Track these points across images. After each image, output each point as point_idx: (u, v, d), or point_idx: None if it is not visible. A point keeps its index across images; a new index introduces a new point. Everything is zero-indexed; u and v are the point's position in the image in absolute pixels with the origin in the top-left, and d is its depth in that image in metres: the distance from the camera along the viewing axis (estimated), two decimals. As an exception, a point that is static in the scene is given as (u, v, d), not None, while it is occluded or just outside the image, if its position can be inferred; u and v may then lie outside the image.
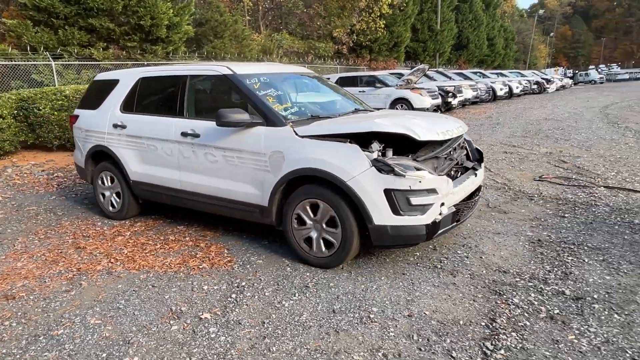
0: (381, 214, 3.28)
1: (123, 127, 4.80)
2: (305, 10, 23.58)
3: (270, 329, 2.83)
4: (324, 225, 3.56)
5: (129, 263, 3.90)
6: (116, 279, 3.62)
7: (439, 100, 15.12)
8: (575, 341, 2.59)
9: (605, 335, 2.63)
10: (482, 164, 4.24)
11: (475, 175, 4.00)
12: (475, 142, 9.58)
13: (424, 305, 3.05)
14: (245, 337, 2.75)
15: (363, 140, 3.50)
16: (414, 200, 3.25)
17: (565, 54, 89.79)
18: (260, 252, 4.05)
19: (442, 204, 3.36)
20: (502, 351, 2.52)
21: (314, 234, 3.64)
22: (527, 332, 2.70)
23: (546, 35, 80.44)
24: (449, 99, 16.07)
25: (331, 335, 2.74)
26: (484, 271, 3.54)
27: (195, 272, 3.69)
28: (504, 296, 3.13)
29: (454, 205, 3.54)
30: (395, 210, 3.26)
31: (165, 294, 3.33)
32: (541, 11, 74.76)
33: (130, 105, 4.87)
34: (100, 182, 5.23)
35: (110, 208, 5.17)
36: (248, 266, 3.77)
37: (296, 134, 3.62)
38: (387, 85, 14.78)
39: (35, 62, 11.36)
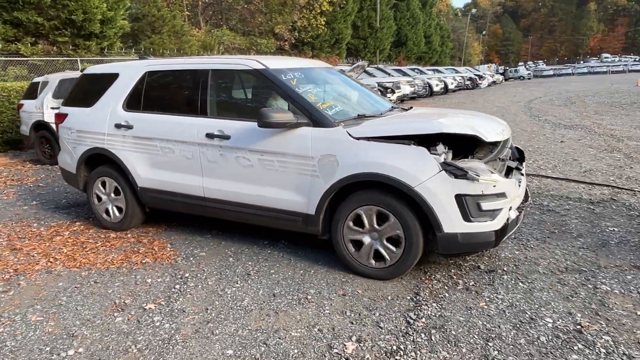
0: (452, 221, 3.05)
1: (129, 127, 4.28)
2: (246, 6, 23.47)
3: (213, 314, 2.99)
4: (383, 235, 3.31)
5: (69, 262, 3.90)
6: (56, 277, 3.62)
7: (378, 96, 15.67)
8: (485, 307, 2.96)
9: (510, 301, 3.02)
10: (524, 163, 3.99)
11: (522, 175, 3.72)
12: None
13: (357, 285, 3.33)
14: (189, 323, 2.90)
15: (423, 142, 3.23)
16: (485, 205, 3.05)
17: (497, 51, 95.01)
18: (204, 245, 4.18)
19: (510, 208, 3.23)
20: (424, 319, 2.84)
21: (368, 243, 3.37)
22: (445, 302, 3.05)
23: (479, 33, 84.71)
24: (388, 95, 16.68)
25: (271, 316, 2.95)
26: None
27: (139, 266, 3.77)
28: (428, 273, 3.48)
29: (517, 209, 3.40)
30: (466, 217, 3.05)
31: (109, 289, 3.39)
32: (474, 10, 78.64)
33: (136, 102, 4.34)
34: (97, 189, 4.64)
35: (108, 217, 4.63)
36: (191, 258, 3.89)
37: (350, 136, 3.33)
38: (328, 81, 15.12)
39: (-46, 58, 10.64)
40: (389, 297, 3.14)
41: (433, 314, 2.91)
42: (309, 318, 2.91)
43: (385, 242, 3.30)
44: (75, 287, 3.43)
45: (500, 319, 2.82)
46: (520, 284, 3.25)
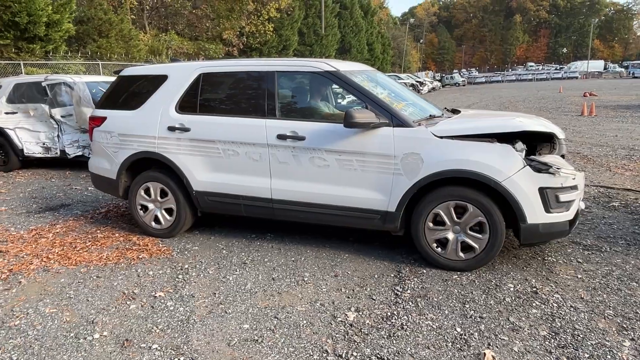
0: (535, 213, 3.32)
1: (184, 130, 4.22)
2: (192, 11, 23.31)
3: (221, 297, 3.29)
4: (468, 229, 3.50)
5: (63, 260, 4.01)
6: (56, 274, 3.74)
7: (330, 101, 16.23)
8: (458, 279, 3.48)
9: (477, 272, 3.56)
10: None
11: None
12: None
13: (346, 267, 3.74)
14: (201, 305, 3.18)
15: (500, 140, 3.49)
16: (562, 197, 3.35)
17: (433, 59, 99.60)
18: (195, 240, 4.42)
19: (580, 199, 3.58)
20: (409, 291, 3.31)
21: (451, 237, 3.56)
22: (424, 276, 3.53)
23: (417, 41, 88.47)
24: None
25: (275, 296, 3.29)
26: (386, 238, 4.35)
27: (136, 261, 3.96)
28: (404, 255, 3.96)
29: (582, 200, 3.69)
30: (547, 208, 3.33)
31: (113, 282, 3.58)
32: (412, 19, 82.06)
33: (192, 105, 4.28)
34: (142, 195, 4.51)
35: (155, 224, 4.52)
36: (186, 252, 4.14)
37: (434, 135, 3.51)
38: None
39: None
40: (376, 276, 3.58)
41: (416, 286, 3.38)
42: (309, 295, 3.29)
43: (469, 231, 3.50)
44: (79, 282, 3.58)
45: (472, 286, 3.34)
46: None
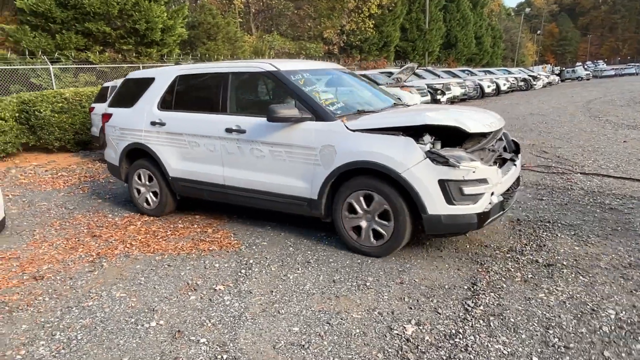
0: (435, 204, 3.38)
1: (162, 124, 4.83)
2: (295, 11, 23.96)
3: (278, 296, 3.19)
4: (376, 217, 3.66)
5: (143, 247, 4.24)
6: (134, 260, 3.96)
7: (427, 98, 15.56)
8: (545, 298, 2.98)
9: (570, 293, 3.02)
10: (520, 155, 4.27)
11: (515, 165, 4.01)
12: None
13: (414, 275, 3.43)
14: (256, 303, 3.11)
15: (412, 133, 3.56)
16: (467, 190, 3.35)
17: (552, 51, 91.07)
18: (264, 236, 4.41)
19: (492, 193, 3.45)
20: (482, 307, 2.91)
21: (364, 224, 3.75)
22: (503, 292, 3.09)
23: (533, 33, 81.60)
24: (438, 96, 16.53)
25: (332, 300, 3.11)
26: (468, 246, 3.93)
27: (206, 253, 4.05)
28: (485, 265, 3.52)
29: (502, 195, 3.60)
30: (449, 200, 3.37)
31: (181, 271, 3.68)
32: (528, 9, 75.83)
33: (169, 102, 4.89)
34: (136, 179, 5.25)
35: (146, 205, 5.23)
36: (254, 247, 4.13)
37: (347, 128, 3.71)
38: (377, 83, 15.18)
39: (33, 66, 11.62)
40: (446, 286, 3.22)
41: (491, 302, 2.96)
42: (368, 302, 3.05)
43: (377, 219, 3.67)
44: (152, 269, 3.74)
45: (560, 309, 2.84)
46: (581, 277, 3.23)
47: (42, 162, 9.35)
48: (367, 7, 24.48)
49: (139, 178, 5.22)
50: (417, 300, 3.04)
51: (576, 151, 7.78)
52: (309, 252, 3.94)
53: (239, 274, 3.59)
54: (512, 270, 3.42)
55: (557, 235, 4.06)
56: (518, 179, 4.22)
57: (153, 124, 4.91)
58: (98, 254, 4.14)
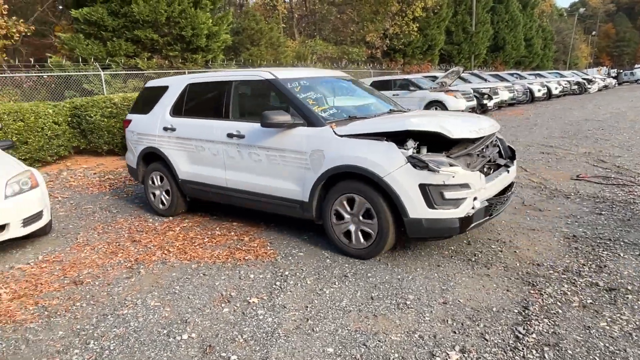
0: (416, 208, 3.44)
1: (173, 129, 5.12)
2: (338, 16, 23.89)
3: (313, 312, 3.05)
4: (361, 219, 3.76)
5: (180, 254, 4.22)
6: (170, 268, 3.94)
7: (474, 102, 15.03)
8: (607, 327, 2.68)
9: (637, 323, 2.71)
10: (515, 161, 4.30)
11: (508, 172, 4.05)
12: (511, 142, 9.56)
13: (459, 294, 3.20)
14: (290, 319, 2.98)
15: (399, 138, 3.63)
16: (448, 195, 3.39)
17: (608, 52, 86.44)
18: (301, 246, 4.29)
19: (475, 199, 3.47)
20: (534, 335, 2.65)
21: (352, 227, 3.85)
22: (559, 319, 2.81)
23: (587, 34, 77.76)
24: (485, 101, 15.94)
25: (370, 319, 2.94)
26: (518, 264, 3.65)
27: (242, 262, 3.97)
28: (537, 287, 3.24)
29: (487, 200, 3.63)
30: (430, 204, 3.41)
31: (216, 281, 3.61)
32: (582, 9, 72.44)
33: (179, 109, 5.18)
34: (150, 181, 5.58)
35: (160, 206, 5.53)
36: (290, 258, 4.02)
37: (335, 134, 3.83)
38: (420, 88, 14.84)
39: (86, 73, 12.10)
40: (494, 309, 2.97)
41: (545, 330, 2.70)
42: (408, 323, 2.86)
43: (362, 220, 3.77)
44: (187, 278, 3.70)
45: (627, 341, 2.54)
46: (649, 305, 2.90)
47: (92, 165, 9.69)
48: (411, 10, 24.06)
49: (153, 181, 5.55)
50: (462, 324, 2.82)
51: (638, 160, 7.20)
52: (346, 265, 3.78)
53: (274, 286, 3.48)
54: (569, 293, 3.12)
55: (619, 255, 3.70)
56: (511, 184, 4.28)
57: (165, 129, 5.21)
58: (136, 259, 4.16)
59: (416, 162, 3.41)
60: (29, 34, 12.52)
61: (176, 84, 5.34)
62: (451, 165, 3.42)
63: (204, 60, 14.98)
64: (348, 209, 3.83)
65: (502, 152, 4.41)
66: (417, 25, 24.85)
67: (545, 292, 3.15)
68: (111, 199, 6.63)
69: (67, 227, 5.33)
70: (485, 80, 19.78)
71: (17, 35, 11.97)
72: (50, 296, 3.50)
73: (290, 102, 4.20)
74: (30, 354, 2.75)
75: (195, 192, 5.11)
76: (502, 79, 21.23)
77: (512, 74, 23.71)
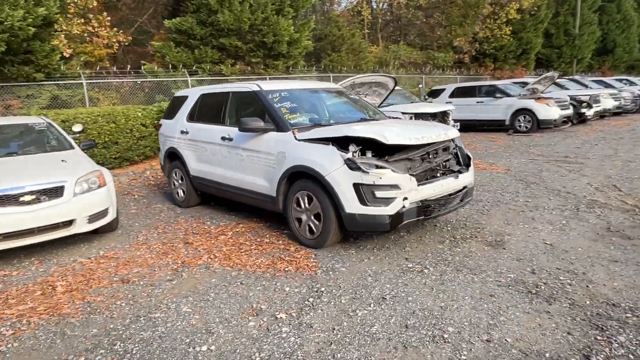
0: (351, 204, 3.91)
1: (186, 133, 5.98)
2: (425, 20, 23.19)
3: (339, 335, 2.85)
4: (312, 216, 4.29)
5: (225, 260, 4.23)
6: (212, 273, 3.96)
7: (569, 111, 13.65)
8: (691, 396, 2.16)
9: None
10: (470, 168, 4.61)
11: (457, 177, 4.37)
12: (610, 157, 8.50)
13: (507, 332, 2.80)
14: (313, 340, 2.81)
15: (347, 143, 4.05)
16: (379, 194, 3.83)
17: None
18: (345, 260, 4.08)
19: (405, 199, 3.87)
20: (591, 394, 2.21)
21: (304, 219, 4.40)
22: (627, 376, 2.33)
23: None
24: (583, 110, 14.41)
25: (399, 350, 2.66)
26: (588, 302, 3.13)
27: (281, 274, 3.87)
28: (607, 332, 2.74)
29: (422, 201, 4.00)
30: (363, 201, 3.87)
31: (250, 292, 3.54)
32: None
33: (193, 115, 6.03)
34: (173, 176, 6.47)
35: (178, 197, 6.42)
36: (331, 273, 3.83)
37: (295, 138, 4.39)
38: (508, 95, 13.81)
39: (174, 79, 12.92)
40: (547, 355, 2.55)
41: (606, 389, 2.24)
42: (440, 361, 2.54)
43: (312, 218, 4.31)
44: (224, 285, 3.68)
45: None
46: None
47: (172, 166, 10.26)
48: (504, 12, 22.62)
49: (175, 175, 6.43)
50: (504, 369, 2.44)
51: None
52: (387, 286, 3.52)
53: (306, 302, 3.32)
54: (647, 345, 2.59)
55: None
56: (466, 190, 4.53)
57: (182, 132, 6.07)
58: (183, 262, 4.24)
59: (351, 164, 3.89)
60: (126, 43, 13.67)
61: (193, 94, 6.24)
62: (380, 167, 3.86)
63: (285, 67, 15.29)
64: (302, 203, 4.36)
65: (461, 158, 4.69)
66: (511, 28, 23.30)
67: (616, 340, 2.64)
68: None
69: (133, 224, 5.63)
70: (586, 86, 17.96)
71: (117, 44, 13.12)
72: (97, 292, 3.66)
73: (266, 110, 4.80)
74: (62, 349, 2.86)
75: (202, 187, 5.93)
76: (607, 85, 19.14)
77: (620, 80, 21.32)
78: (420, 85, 15.02)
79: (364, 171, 3.81)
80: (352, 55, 17.76)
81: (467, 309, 3.11)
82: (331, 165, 3.99)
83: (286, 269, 3.95)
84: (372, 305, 3.23)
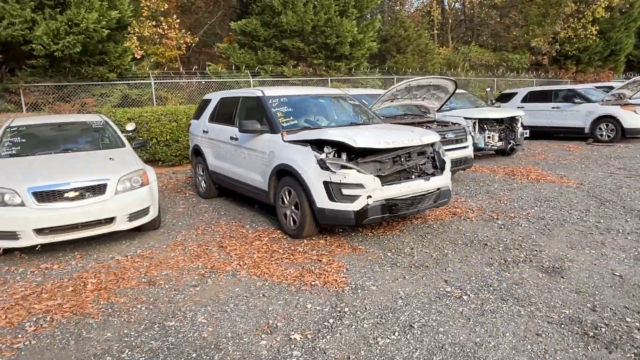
0: (321, 200, 4.37)
1: (207, 132, 6.68)
2: (499, 20, 21.91)
3: (352, 367, 2.57)
4: (292, 207, 4.80)
5: (252, 268, 4.08)
6: (237, 281, 3.82)
7: (660, 120, 12.15)
8: None
9: None
10: (445, 172, 4.91)
11: (428, 179, 4.68)
12: None
13: (551, 383, 2.37)
14: (323, 369, 2.56)
15: (324, 145, 4.53)
16: (345, 191, 4.27)
17: None
18: (378, 278, 3.78)
19: (369, 197, 4.24)
20: None
21: (287, 212, 4.90)
22: None
23: None
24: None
25: (416, 392, 2.34)
26: (660, 354, 2.60)
27: (307, 287, 3.64)
28: (680, 397, 2.23)
29: (387, 200, 4.35)
30: (331, 198, 4.31)
31: (270, 306, 3.35)
32: None
33: (213, 117, 6.71)
34: (197, 170, 7.19)
35: (201, 189, 7.09)
36: (359, 291, 3.55)
37: (283, 140, 4.89)
38: (589, 100, 12.57)
39: (237, 79, 13.16)
40: (597, 419, 2.10)
41: None
42: (463, 411, 2.19)
43: (293, 208, 4.80)
44: (245, 297, 3.52)
45: None
46: None
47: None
48: (590, 10, 20.81)
49: (199, 169, 7.10)
50: None
51: None
52: (418, 312, 3.17)
53: (325, 323, 3.07)
54: None
55: None
56: (439, 192, 4.82)
57: (204, 131, 6.76)
58: (212, 267, 4.15)
59: (322, 164, 4.35)
60: (193, 44, 14.13)
61: (215, 97, 6.89)
62: (345, 167, 4.29)
63: (347, 68, 15.08)
64: (285, 199, 4.89)
65: (438, 163, 4.99)
66: (597, 27, 21.40)
67: (691, 410, 2.14)
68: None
69: (176, 224, 5.68)
70: (686, 92, 15.97)
71: (185, 46, 13.60)
72: (123, 293, 3.66)
73: (264, 113, 5.34)
74: (73, 352, 2.84)
75: (218, 181, 6.61)
76: None
77: None
78: (488, 89, 14.12)
79: (332, 171, 4.26)
80: (418, 57, 17.16)
81: (506, 348, 2.70)
82: (306, 164, 4.48)
83: (313, 283, 3.72)
84: (396, 333, 2.91)
